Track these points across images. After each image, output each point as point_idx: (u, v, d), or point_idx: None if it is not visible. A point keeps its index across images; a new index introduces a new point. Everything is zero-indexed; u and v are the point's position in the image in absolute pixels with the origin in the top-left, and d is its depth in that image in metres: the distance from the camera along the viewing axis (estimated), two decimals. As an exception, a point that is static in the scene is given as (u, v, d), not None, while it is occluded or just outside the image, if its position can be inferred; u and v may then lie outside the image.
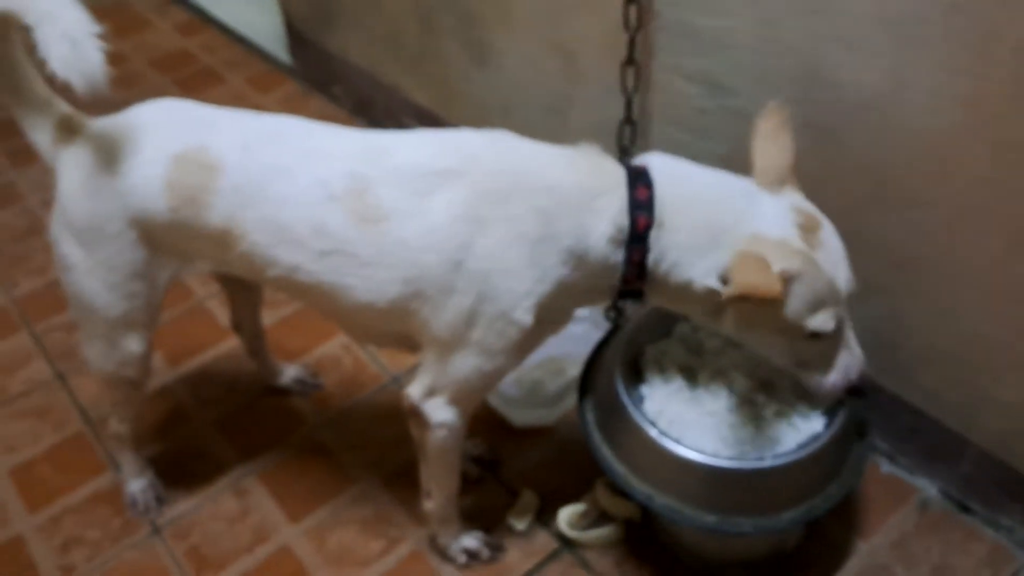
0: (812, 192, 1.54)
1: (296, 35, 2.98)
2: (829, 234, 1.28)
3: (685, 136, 1.79)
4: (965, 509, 1.67)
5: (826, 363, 1.33)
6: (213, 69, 3.20)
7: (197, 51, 3.31)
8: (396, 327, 1.38)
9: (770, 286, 1.15)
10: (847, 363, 1.34)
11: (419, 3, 2.33)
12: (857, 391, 1.39)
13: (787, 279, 1.19)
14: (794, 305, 1.23)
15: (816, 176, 1.57)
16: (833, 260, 1.26)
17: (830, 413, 1.44)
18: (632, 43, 1.68)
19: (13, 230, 2.55)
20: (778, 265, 1.18)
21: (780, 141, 1.32)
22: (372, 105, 2.77)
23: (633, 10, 1.64)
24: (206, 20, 3.47)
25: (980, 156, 1.35)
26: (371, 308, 1.34)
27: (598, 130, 1.95)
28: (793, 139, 1.32)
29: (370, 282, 1.31)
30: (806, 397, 1.45)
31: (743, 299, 1.16)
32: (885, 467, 1.76)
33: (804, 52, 1.49)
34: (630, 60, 1.70)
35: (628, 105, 1.75)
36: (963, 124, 1.35)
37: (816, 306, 1.24)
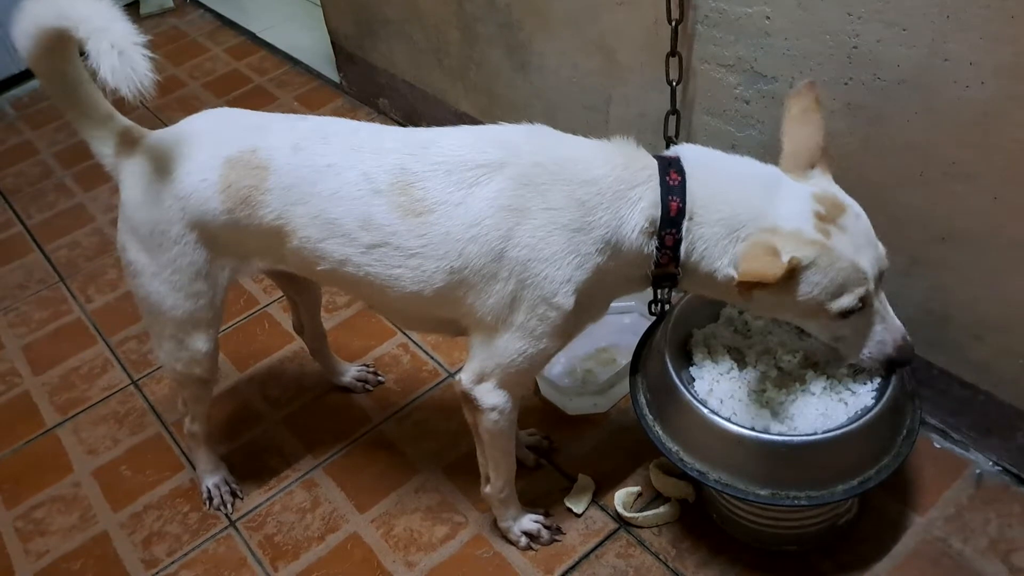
0: (853, 171, 1.56)
1: (342, 51, 3.06)
2: (853, 218, 1.29)
3: (726, 125, 1.81)
4: (1022, 482, 1.66)
5: (861, 337, 1.36)
6: (264, 89, 3.30)
7: (248, 72, 3.43)
8: (442, 313, 1.43)
9: (767, 272, 1.18)
10: (882, 337, 1.35)
11: (460, 13, 2.38)
12: (898, 363, 1.39)
13: (797, 267, 1.22)
14: (812, 291, 1.26)
15: (857, 155, 1.59)
16: (857, 243, 1.27)
17: (880, 389, 1.45)
18: (675, 33, 1.71)
19: (86, 249, 2.68)
20: (788, 254, 1.21)
21: (811, 122, 1.34)
22: (419, 116, 2.83)
23: (675, 1, 1.68)
24: (256, 42, 3.58)
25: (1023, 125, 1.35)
26: (418, 297, 1.38)
27: (637, 124, 2.00)
28: (824, 119, 1.33)
29: (417, 272, 1.36)
30: (858, 371, 1.47)
31: (748, 286, 1.19)
32: (938, 443, 1.75)
33: (842, 32, 1.51)
34: (673, 51, 1.74)
35: (673, 95, 1.79)
36: (1006, 94, 1.35)
37: (837, 290, 1.27)
